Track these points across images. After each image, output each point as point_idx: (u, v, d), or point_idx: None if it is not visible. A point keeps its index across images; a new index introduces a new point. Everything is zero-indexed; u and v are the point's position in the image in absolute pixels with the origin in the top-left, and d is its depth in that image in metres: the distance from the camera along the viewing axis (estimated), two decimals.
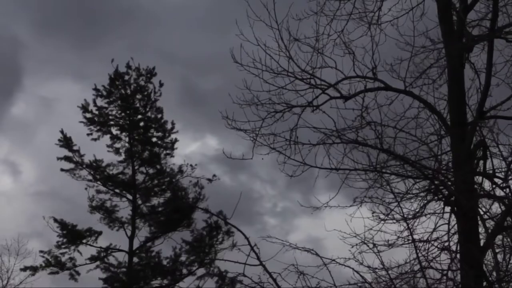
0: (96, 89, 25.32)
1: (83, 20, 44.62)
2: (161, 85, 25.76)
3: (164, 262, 24.62)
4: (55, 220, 24.21)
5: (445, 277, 9.30)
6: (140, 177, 25.21)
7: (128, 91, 25.44)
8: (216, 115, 9.94)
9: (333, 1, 10.58)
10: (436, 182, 9.63)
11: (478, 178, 9.95)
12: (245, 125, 10.00)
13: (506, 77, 10.14)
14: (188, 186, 25.30)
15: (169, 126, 25.66)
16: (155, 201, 25.23)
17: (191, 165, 25.46)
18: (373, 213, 10.01)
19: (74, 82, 45.57)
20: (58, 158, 24.70)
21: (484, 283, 9.25)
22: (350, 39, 10.29)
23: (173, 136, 25.70)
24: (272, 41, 9.93)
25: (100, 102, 25.38)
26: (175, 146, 25.69)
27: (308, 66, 10.02)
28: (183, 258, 24.61)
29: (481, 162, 9.93)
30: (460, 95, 10.00)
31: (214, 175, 25.53)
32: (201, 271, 24.38)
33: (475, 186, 9.81)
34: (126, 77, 25.47)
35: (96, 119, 25.19)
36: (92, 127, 25.14)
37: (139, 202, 24.97)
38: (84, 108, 25.17)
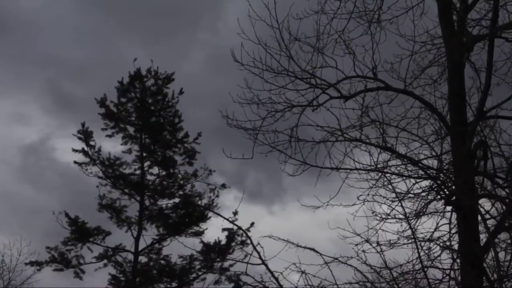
0: (121, 83, 24.97)
1: None
2: (181, 92, 25.48)
3: (172, 265, 24.32)
4: (66, 215, 23.94)
5: (447, 276, 9.30)
6: (151, 179, 24.90)
7: (147, 93, 25.21)
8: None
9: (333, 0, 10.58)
10: (438, 182, 9.62)
11: (479, 178, 9.95)
12: (245, 124, 9.98)
13: (506, 77, 10.17)
14: (204, 191, 24.94)
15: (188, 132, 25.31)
16: (163, 203, 24.92)
17: (209, 170, 24.93)
18: (373, 212, 10.01)
19: None
20: (74, 150, 24.27)
21: (485, 283, 9.23)
22: (351, 38, 10.28)
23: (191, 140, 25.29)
24: (273, 40, 9.93)
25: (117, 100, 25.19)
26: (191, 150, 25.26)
27: (309, 65, 10.02)
28: (196, 262, 24.34)
29: (482, 161, 9.91)
30: (460, 94, 9.94)
31: (224, 184, 25.10)
32: (210, 275, 24.18)
33: (476, 185, 9.79)
34: (145, 79, 25.24)
35: (112, 115, 24.84)
36: (107, 121, 24.83)
37: (147, 203, 24.65)
38: (102, 103, 24.82)
